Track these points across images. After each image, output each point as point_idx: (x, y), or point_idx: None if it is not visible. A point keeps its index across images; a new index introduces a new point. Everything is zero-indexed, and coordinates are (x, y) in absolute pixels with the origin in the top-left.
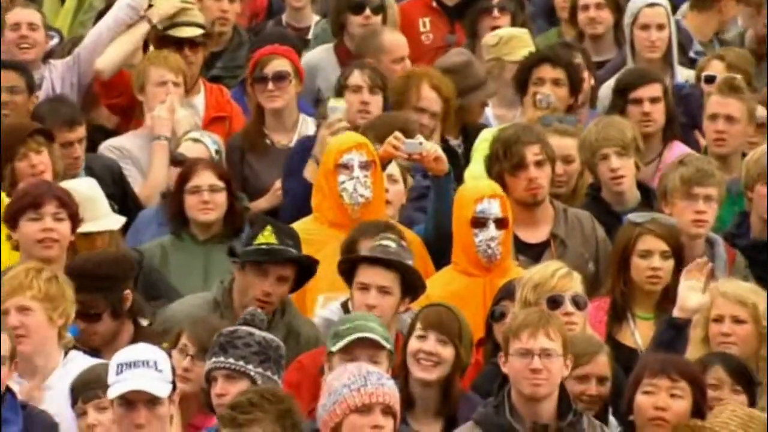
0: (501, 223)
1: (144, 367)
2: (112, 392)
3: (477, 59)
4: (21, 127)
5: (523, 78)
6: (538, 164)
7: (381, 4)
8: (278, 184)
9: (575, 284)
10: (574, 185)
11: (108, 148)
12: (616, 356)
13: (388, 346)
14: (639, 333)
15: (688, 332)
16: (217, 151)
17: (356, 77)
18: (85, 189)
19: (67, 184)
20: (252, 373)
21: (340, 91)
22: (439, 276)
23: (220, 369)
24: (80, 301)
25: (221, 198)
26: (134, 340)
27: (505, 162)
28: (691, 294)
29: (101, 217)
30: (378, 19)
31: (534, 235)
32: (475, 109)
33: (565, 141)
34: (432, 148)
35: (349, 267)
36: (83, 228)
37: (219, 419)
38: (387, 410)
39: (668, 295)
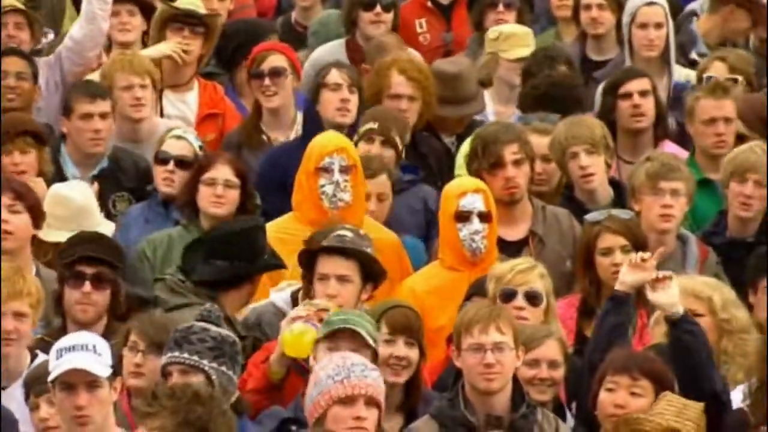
0: (484, 217)
1: (83, 351)
2: (52, 375)
3: (471, 72)
4: (14, 122)
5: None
6: (516, 163)
7: (392, 2)
8: None
9: (533, 279)
10: (557, 183)
11: None
12: (584, 352)
13: (372, 344)
14: None
15: (628, 308)
16: (201, 147)
17: (334, 75)
18: (79, 197)
19: (60, 190)
20: (206, 368)
21: (316, 89)
22: (424, 271)
23: (175, 364)
24: None
25: (234, 194)
26: None
27: (483, 160)
28: (631, 269)
29: (93, 226)
30: (389, 16)
31: (513, 233)
32: (451, 121)
33: (545, 140)
34: None
35: (309, 259)
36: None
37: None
38: (370, 401)
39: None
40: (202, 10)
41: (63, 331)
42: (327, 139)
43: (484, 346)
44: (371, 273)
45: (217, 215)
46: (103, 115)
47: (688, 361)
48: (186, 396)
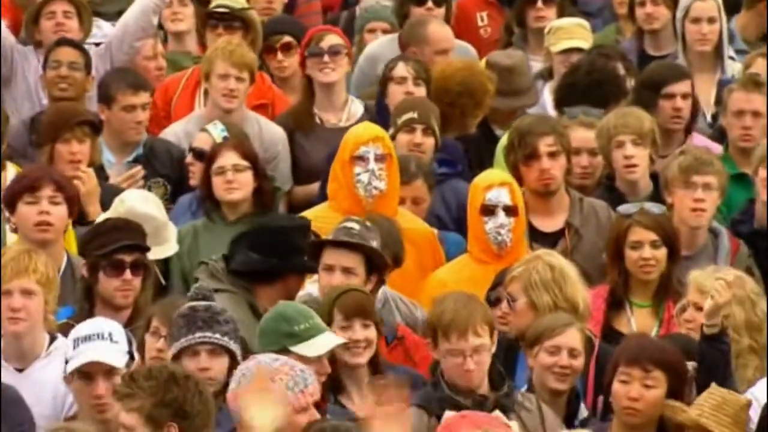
0: (510, 211)
1: (99, 340)
2: (70, 366)
3: (524, 65)
4: (73, 112)
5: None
6: (552, 155)
7: None
8: None
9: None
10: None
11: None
12: (611, 343)
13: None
14: (635, 321)
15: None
16: (225, 138)
17: (401, 69)
18: (158, 214)
19: (136, 208)
20: (233, 349)
21: (384, 82)
22: (454, 262)
23: (205, 344)
24: None
25: (246, 177)
26: None
27: (519, 151)
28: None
29: (169, 237)
30: (441, 11)
31: (549, 224)
32: (503, 113)
33: (590, 133)
34: None
35: (316, 250)
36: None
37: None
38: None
39: (666, 283)
40: (235, 4)
41: (90, 317)
42: (362, 129)
43: (463, 352)
44: (376, 265)
45: (233, 200)
46: (144, 107)
47: (708, 376)
48: (163, 376)
